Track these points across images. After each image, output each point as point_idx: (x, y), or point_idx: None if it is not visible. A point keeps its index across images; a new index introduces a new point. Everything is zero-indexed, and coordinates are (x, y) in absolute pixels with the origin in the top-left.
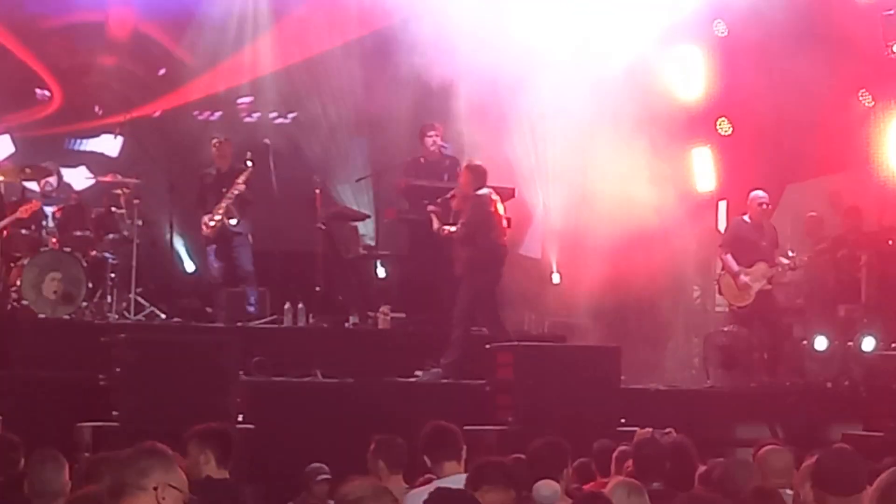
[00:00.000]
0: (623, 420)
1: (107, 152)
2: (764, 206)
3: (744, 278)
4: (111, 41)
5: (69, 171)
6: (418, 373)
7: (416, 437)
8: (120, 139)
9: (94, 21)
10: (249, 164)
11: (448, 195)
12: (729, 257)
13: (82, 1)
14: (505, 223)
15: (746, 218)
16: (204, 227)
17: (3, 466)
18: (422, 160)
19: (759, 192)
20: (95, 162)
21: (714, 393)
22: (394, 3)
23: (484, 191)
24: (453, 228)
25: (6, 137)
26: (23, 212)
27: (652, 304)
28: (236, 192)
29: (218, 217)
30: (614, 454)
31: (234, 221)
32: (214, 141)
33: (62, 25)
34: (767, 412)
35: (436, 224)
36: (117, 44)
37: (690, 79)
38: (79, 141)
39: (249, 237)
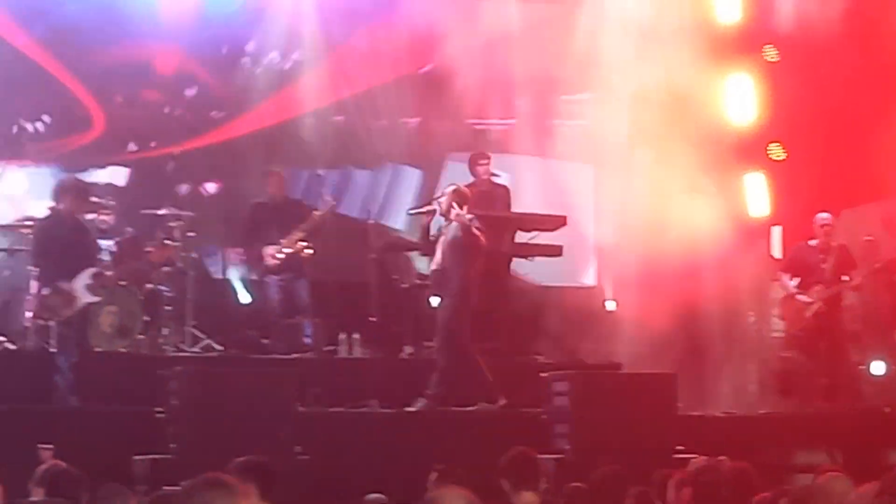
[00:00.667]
0: (680, 447)
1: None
2: (826, 228)
3: (800, 298)
4: (157, 76)
5: None
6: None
7: (475, 467)
8: None
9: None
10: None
11: (423, 208)
12: (785, 277)
13: (131, 35)
14: None
15: (812, 242)
16: (269, 259)
17: (67, 500)
18: (474, 189)
19: (822, 215)
20: None
21: (771, 419)
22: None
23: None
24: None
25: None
26: (155, 255)
27: (707, 330)
28: (312, 225)
29: (288, 249)
30: (671, 482)
31: (310, 251)
32: (268, 171)
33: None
34: (825, 438)
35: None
36: (162, 80)
37: (742, 105)
38: None
39: (305, 268)
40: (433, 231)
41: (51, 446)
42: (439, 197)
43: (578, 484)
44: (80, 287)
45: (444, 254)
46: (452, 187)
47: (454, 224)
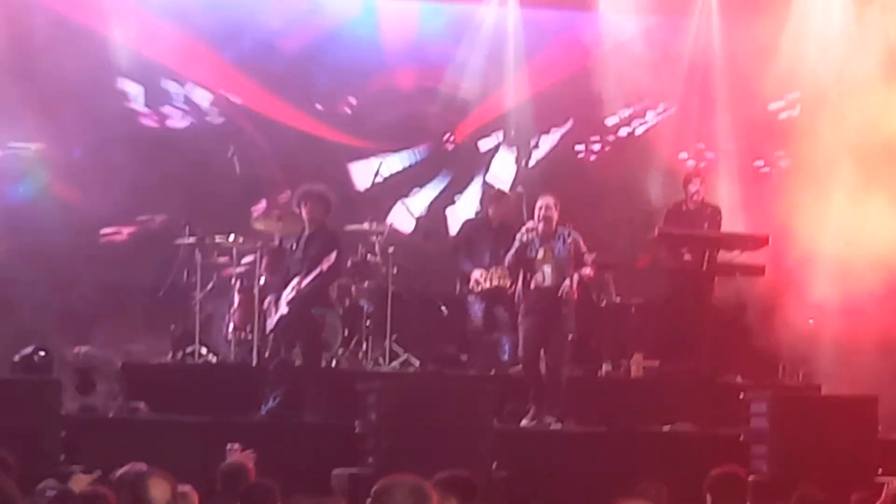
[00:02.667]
0: (881, 470)
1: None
2: None
3: None
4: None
5: None
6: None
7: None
8: None
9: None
10: None
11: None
12: None
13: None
14: None
15: None
16: (475, 284)
17: None
18: (683, 207)
19: None
20: None
21: None
22: None
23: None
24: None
25: None
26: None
27: None
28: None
29: (494, 283)
30: None
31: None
32: (495, 192)
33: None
34: None
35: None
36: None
37: None
38: None
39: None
40: (532, 251)
41: (237, 445)
42: (541, 212)
43: None
44: (284, 303)
45: (554, 270)
46: (551, 200)
47: (561, 238)
